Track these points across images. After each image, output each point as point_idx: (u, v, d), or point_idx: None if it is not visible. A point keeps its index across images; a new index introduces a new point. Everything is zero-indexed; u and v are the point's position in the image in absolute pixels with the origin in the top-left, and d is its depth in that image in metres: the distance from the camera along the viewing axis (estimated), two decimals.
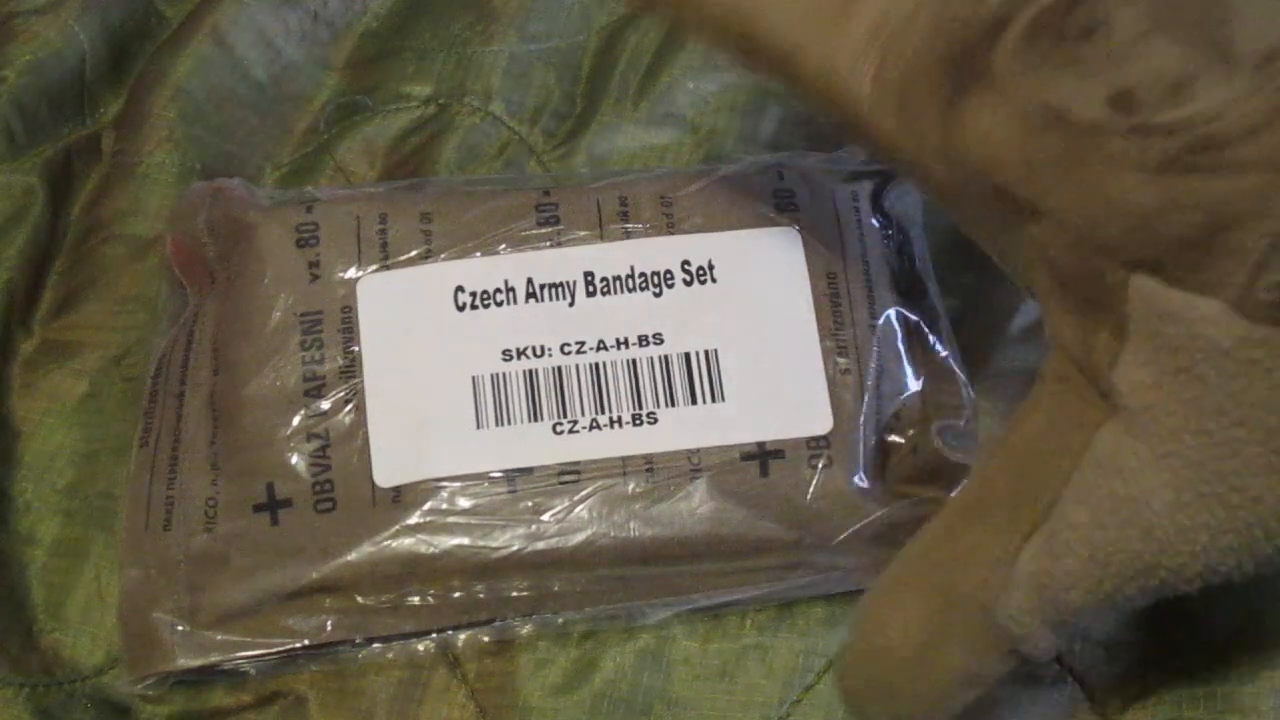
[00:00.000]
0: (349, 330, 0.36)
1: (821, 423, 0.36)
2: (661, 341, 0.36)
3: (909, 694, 0.29)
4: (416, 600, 0.35)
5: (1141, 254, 0.24)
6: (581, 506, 0.35)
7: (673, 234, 0.38)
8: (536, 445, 0.35)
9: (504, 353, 0.36)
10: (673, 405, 0.36)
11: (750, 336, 0.36)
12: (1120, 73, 0.24)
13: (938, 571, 0.28)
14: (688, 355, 0.36)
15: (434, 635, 0.36)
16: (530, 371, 0.36)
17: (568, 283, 0.37)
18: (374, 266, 0.37)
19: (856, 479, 0.35)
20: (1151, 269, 0.24)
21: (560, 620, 0.36)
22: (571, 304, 0.37)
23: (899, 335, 0.38)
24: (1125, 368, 0.25)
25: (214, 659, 0.34)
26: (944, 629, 0.28)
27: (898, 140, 0.26)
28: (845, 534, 0.35)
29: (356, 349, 0.36)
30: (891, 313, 0.38)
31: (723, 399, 0.36)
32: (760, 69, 0.28)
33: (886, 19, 0.26)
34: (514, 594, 0.35)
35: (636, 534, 0.35)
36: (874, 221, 0.39)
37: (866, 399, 0.36)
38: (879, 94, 0.26)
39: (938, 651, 0.28)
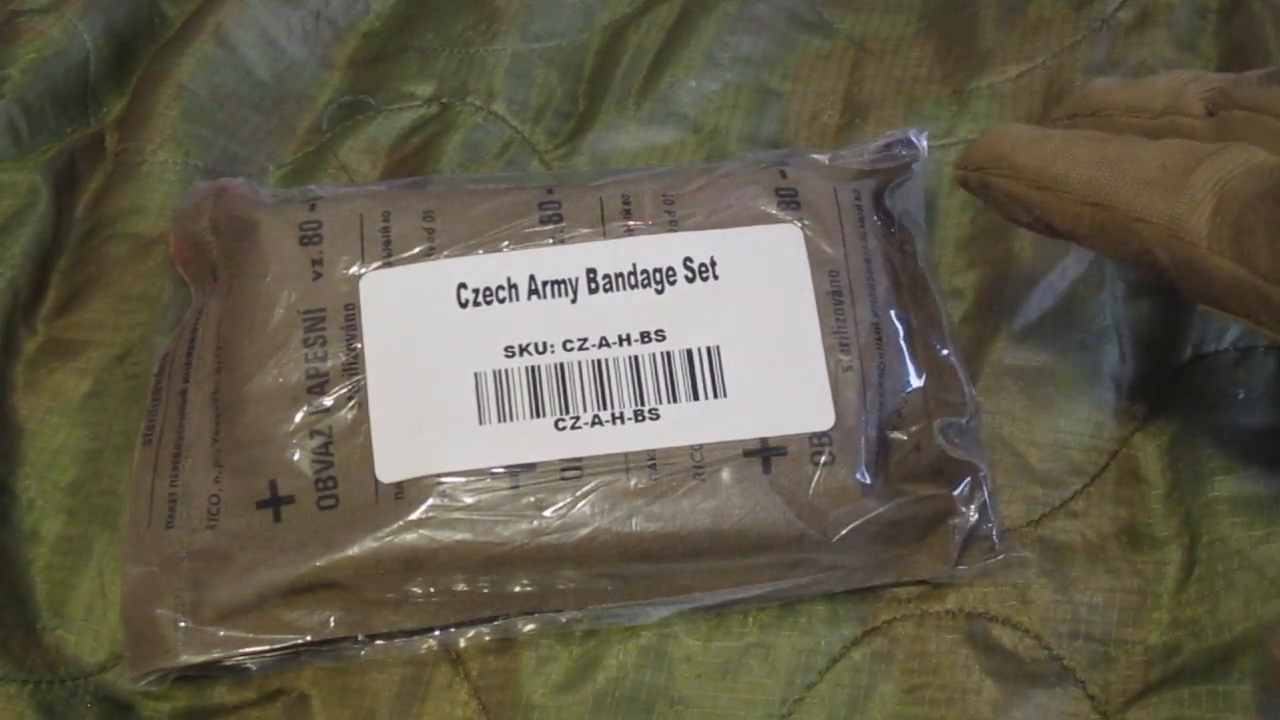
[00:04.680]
0: (352, 327, 0.36)
1: (824, 419, 0.36)
2: (664, 338, 0.36)
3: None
4: (419, 596, 0.35)
5: None
6: (584, 502, 0.35)
7: (675, 231, 0.38)
8: (539, 441, 0.35)
9: (506, 349, 0.36)
10: (675, 401, 0.36)
11: (752, 333, 0.37)
12: None
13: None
14: (690, 352, 0.36)
15: (436, 633, 0.36)
16: (533, 368, 0.36)
17: (570, 280, 0.37)
18: (377, 264, 0.37)
19: (859, 475, 0.35)
20: None
21: (563, 618, 0.36)
22: (574, 301, 0.37)
23: (901, 333, 0.38)
24: None
25: (216, 655, 0.35)
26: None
27: (1237, 274, 0.28)
28: (846, 530, 0.35)
29: (359, 346, 0.36)
30: (893, 310, 0.38)
31: (725, 395, 0.36)
32: (1102, 238, 0.31)
33: (1225, 171, 0.29)
34: (517, 590, 0.35)
35: (639, 530, 0.35)
36: (876, 220, 0.39)
37: (869, 396, 0.36)
38: (1216, 231, 0.28)
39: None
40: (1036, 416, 0.38)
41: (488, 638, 0.36)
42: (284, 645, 0.35)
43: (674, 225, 0.38)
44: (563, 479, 0.35)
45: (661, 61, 0.45)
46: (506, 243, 0.37)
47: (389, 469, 0.35)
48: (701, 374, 0.36)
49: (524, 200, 0.38)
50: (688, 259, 0.37)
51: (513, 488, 0.35)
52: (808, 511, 0.35)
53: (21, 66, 0.44)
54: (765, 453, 0.35)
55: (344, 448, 0.35)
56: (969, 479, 0.36)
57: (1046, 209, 0.32)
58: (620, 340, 0.36)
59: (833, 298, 0.37)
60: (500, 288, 0.37)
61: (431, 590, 0.35)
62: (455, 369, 0.36)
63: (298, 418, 0.36)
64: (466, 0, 0.47)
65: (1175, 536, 0.36)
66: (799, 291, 0.37)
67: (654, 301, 0.37)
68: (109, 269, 0.42)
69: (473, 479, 0.35)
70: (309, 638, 0.35)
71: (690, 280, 0.37)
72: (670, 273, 0.37)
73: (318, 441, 0.35)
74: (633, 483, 0.35)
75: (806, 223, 0.38)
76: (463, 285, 0.37)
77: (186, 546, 0.35)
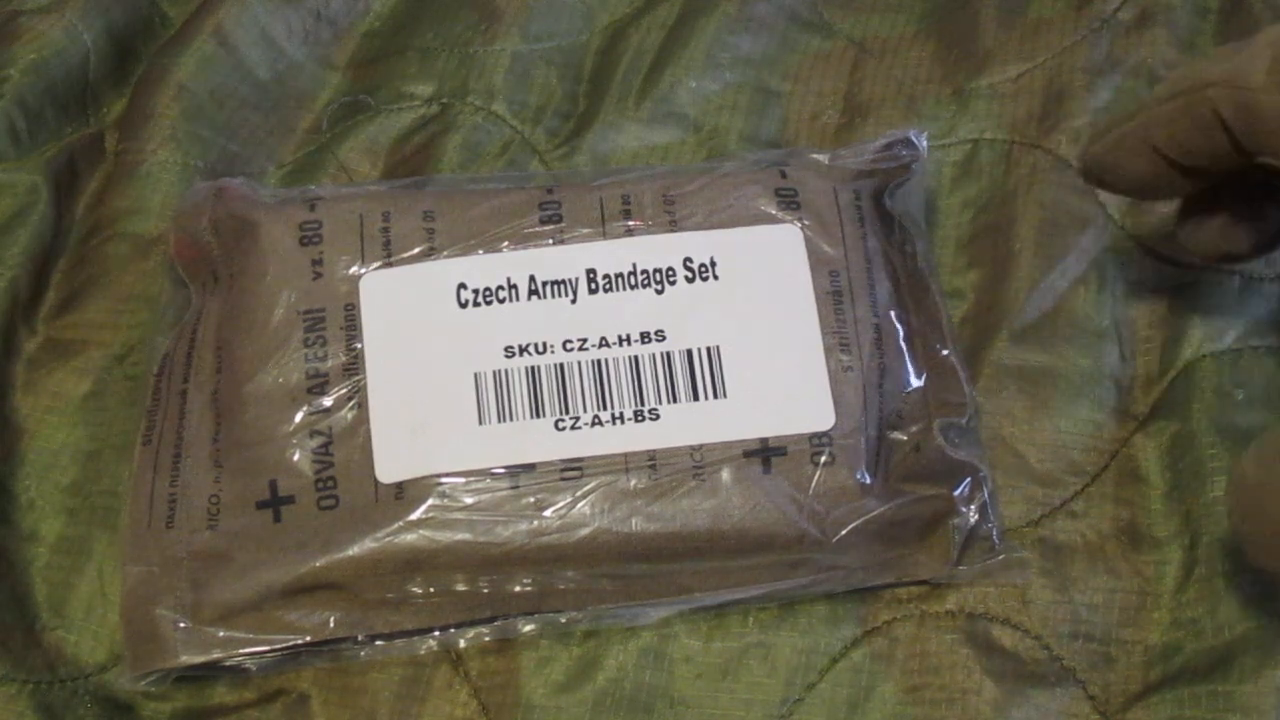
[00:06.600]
0: (352, 327, 0.36)
1: (824, 419, 0.36)
2: (664, 338, 0.36)
3: (1263, 528, 0.31)
4: (419, 596, 0.35)
5: None
6: (584, 502, 0.35)
7: (675, 231, 0.38)
8: (539, 441, 0.35)
9: (506, 349, 0.36)
10: (675, 402, 0.36)
11: (752, 333, 0.37)
12: None
13: None
14: (690, 352, 0.36)
15: (436, 633, 0.36)
16: (532, 368, 0.36)
17: (570, 280, 0.37)
18: (377, 264, 0.37)
19: (859, 475, 0.35)
20: None
21: (563, 619, 0.36)
22: (574, 301, 0.37)
23: (901, 333, 0.38)
24: None
25: (216, 655, 0.35)
26: None
27: None
28: (846, 530, 0.35)
29: (359, 346, 0.36)
30: (893, 310, 0.38)
31: (725, 395, 0.36)
32: (1187, 122, 0.34)
33: (1269, 41, 0.33)
34: (517, 590, 0.35)
35: (639, 529, 0.35)
36: (876, 220, 0.39)
37: (868, 395, 0.36)
38: (1271, 75, 0.32)
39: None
40: (1036, 416, 0.38)
41: (488, 638, 0.36)
42: (284, 645, 0.35)
43: (674, 225, 0.38)
44: (563, 479, 0.35)
45: (661, 61, 0.45)
46: (506, 243, 0.37)
47: (389, 469, 0.35)
48: (701, 374, 0.36)
49: (524, 200, 0.38)
50: (688, 259, 0.37)
51: (513, 488, 0.35)
52: (808, 511, 0.35)
53: (21, 66, 0.44)
54: (765, 453, 0.35)
55: (344, 448, 0.35)
56: (969, 479, 0.36)
57: (1143, 126, 0.35)
58: (620, 340, 0.36)
59: (833, 298, 0.37)
60: (500, 288, 0.37)
61: (431, 590, 0.35)
62: (455, 369, 0.36)
63: (298, 418, 0.36)
64: (466, 0, 0.47)
65: (1175, 536, 0.36)
66: (799, 291, 0.37)
67: (654, 301, 0.37)
68: (109, 269, 0.42)
69: (473, 479, 0.35)
70: (309, 638, 0.35)
71: (690, 280, 0.37)
72: (670, 273, 0.37)
73: (318, 441, 0.35)
74: (633, 483, 0.35)
75: (806, 223, 0.38)
76: (463, 285, 0.37)
77: (186, 546, 0.35)
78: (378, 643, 0.36)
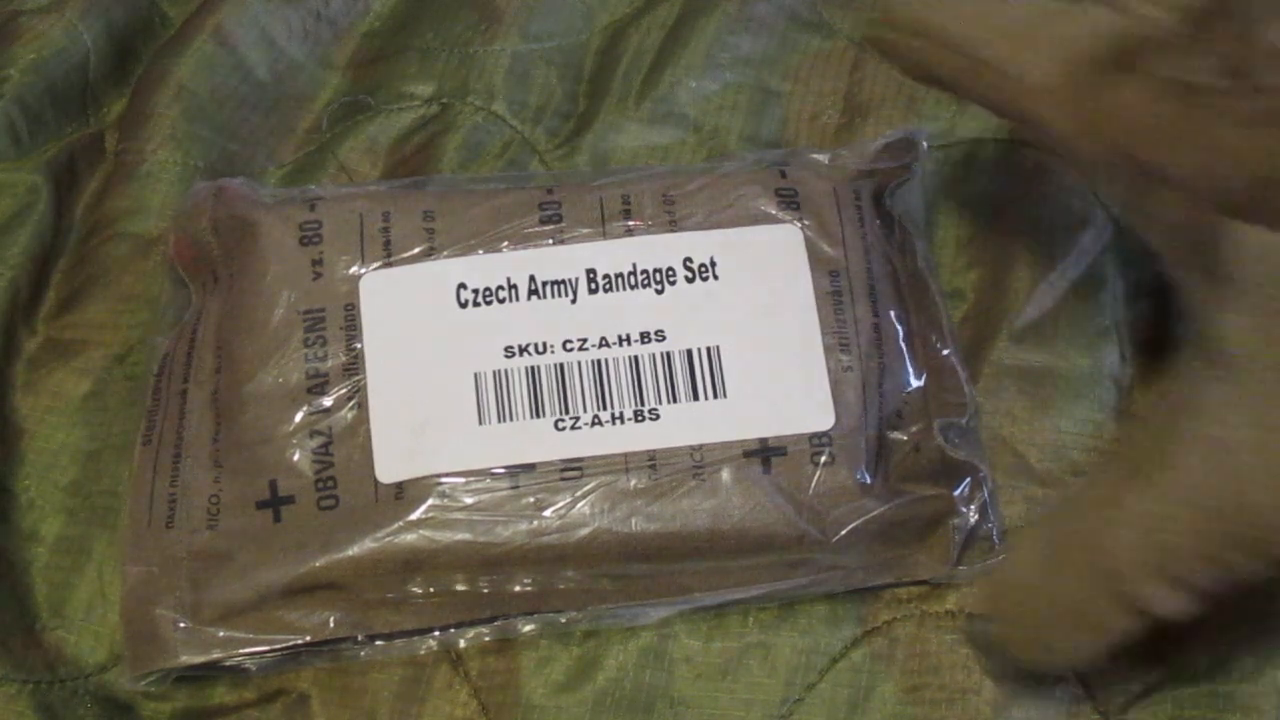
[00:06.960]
0: (352, 327, 0.36)
1: (824, 419, 0.36)
2: (664, 338, 0.37)
3: (1028, 624, 0.32)
4: (419, 596, 0.35)
5: (1242, 199, 0.28)
6: (584, 502, 0.35)
7: (675, 231, 0.38)
8: (539, 441, 0.35)
9: (506, 349, 0.36)
10: (675, 402, 0.36)
11: (752, 333, 0.37)
12: (1239, 51, 0.28)
13: (1064, 515, 0.32)
14: (690, 352, 0.36)
15: (436, 633, 0.36)
16: (532, 368, 0.36)
17: (570, 280, 0.37)
18: (377, 264, 0.37)
19: (859, 475, 0.35)
20: (1252, 215, 0.28)
21: (563, 619, 0.36)
22: (574, 301, 0.37)
23: (901, 333, 0.38)
24: (1226, 313, 0.29)
25: (216, 655, 0.35)
26: (1058, 564, 0.31)
27: (1055, 122, 0.32)
28: (846, 530, 0.35)
29: (359, 346, 0.36)
30: (893, 310, 0.38)
31: (725, 395, 0.36)
32: (963, 84, 0.34)
33: (1070, 30, 0.32)
34: (517, 590, 0.35)
35: (639, 530, 0.35)
36: (876, 220, 0.39)
37: (868, 396, 0.36)
38: (1048, 82, 0.32)
39: (1051, 586, 0.31)
40: (1036, 416, 0.38)
41: (488, 638, 0.36)
42: (284, 645, 0.35)
43: (674, 225, 0.38)
44: (563, 479, 0.35)
45: (661, 61, 0.45)
46: (506, 243, 0.37)
47: (389, 469, 0.35)
48: (701, 374, 0.36)
49: (524, 200, 0.38)
50: (688, 259, 0.37)
51: (512, 488, 0.35)
52: (808, 511, 0.35)
53: (21, 66, 0.44)
54: (765, 453, 0.35)
55: (344, 448, 0.35)
56: (969, 479, 0.36)
57: (920, 55, 0.35)
58: (620, 340, 0.36)
59: (833, 298, 0.37)
60: (500, 288, 0.37)
61: (431, 590, 0.35)
62: (455, 369, 0.36)
63: (298, 418, 0.36)
64: (466, 0, 0.47)
65: None
66: (799, 291, 0.37)
67: (654, 301, 0.37)
68: (109, 269, 0.42)
69: (473, 479, 0.35)
70: (309, 638, 0.35)
71: (690, 280, 0.37)
72: (670, 273, 0.37)
73: (318, 441, 0.35)
74: (632, 483, 0.35)
75: (806, 223, 0.38)
76: (463, 285, 0.37)
77: (187, 546, 0.35)
78: (378, 643, 0.36)
